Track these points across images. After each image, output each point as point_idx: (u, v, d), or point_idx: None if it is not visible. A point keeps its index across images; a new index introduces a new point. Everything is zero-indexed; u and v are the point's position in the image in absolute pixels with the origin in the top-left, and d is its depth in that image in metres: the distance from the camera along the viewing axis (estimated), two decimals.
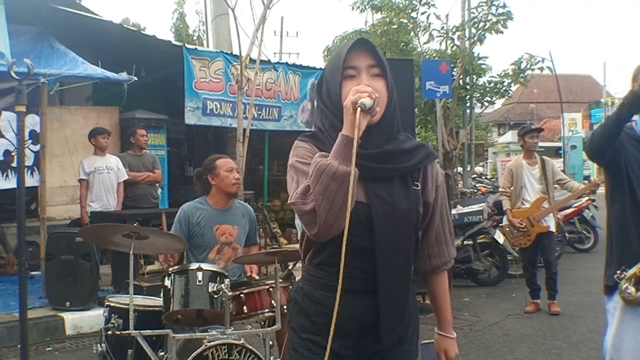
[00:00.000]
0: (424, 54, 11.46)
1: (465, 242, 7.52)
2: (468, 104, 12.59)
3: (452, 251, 1.96)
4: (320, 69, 9.88)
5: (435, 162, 1.90)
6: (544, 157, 6.39)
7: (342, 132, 1.63)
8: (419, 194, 1.83)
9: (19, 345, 4.02)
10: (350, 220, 1.68)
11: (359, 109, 1.57)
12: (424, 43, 11.45)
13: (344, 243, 1.59)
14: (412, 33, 11.64)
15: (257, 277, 3.89)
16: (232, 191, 3.82)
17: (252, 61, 7.64)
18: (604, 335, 2.71)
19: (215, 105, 8.54)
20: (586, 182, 8.59)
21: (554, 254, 6.30)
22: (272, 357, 3.34)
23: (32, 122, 6.01)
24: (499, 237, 7.59)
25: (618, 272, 2.56)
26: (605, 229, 2.76)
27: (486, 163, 25.21)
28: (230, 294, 3.28)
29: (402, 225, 1.77)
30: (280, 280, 3.42)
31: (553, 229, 6.28)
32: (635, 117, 2.67)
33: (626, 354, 2.56)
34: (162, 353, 3.21)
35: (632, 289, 2.51)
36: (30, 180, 5.96)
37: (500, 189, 6.69)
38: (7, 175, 5.96)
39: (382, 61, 1.76)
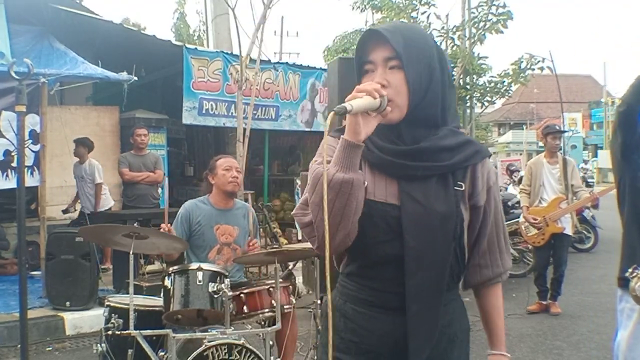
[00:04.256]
0: None
1: None
2: (468, 104, 12.57)
3: (508, 262, 1.72)
4: (321, 68, 9.88)
5: (487, 161, 1.66)
6: (566, 157, 6.36)
7: (342, 136, 1.47)
8: (463, 196, 1.60)
9: (19, 345, 4.02)
10: (380, 225, 1.55)
11: (332, 113, 1.41)
12: None
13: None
14: None
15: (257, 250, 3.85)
16: (227, 189, 3.81)
17: (252, 61, 7.64)
18: (614, 335, 2.67)
19: (211, 105, 8.55)
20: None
21: (565, 256, 6.23)
22: (272, 357, 3.34)
23: (32, 121, 6.01)
24: None
25: (630, 270, 2.51)
26: (621, 221, 2.71)
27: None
28: (230, 293, 3.28)
29: (437, 230, 1.54)
30: (280, 280, 3.42)
31: (569, 231, 6.22)
32: None
33: None
34: (162, 353, 3.21)
35: None
36: (31, 180, 5.95)
37: (520, 187, 6.68)
38: (7, 175, 5.96)
39: (399, 52, 1.52)
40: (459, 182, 1.59)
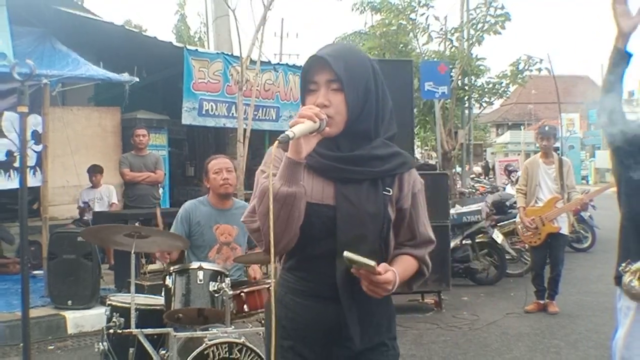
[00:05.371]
0: (423, 55, 11.50)
1: (463, 242, 7.56)
2: (466, 105, 12.62)
3: (428, 259, 1.90)
4: None
5: (414, 171, 1.88)
6: (563, 157, 6.38)
7: (286, 154, 1.65)
8: (390, 200, 1.80)
9: (21, 344, 4.06)
10: (316, 224, 1.73)
11: (276, 143, 1.57)
12: (423, 44, 11.50)
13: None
14: (411, 34, 11.68)
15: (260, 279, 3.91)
16: (220, 192, 3.80)
17: (253, 62, 7.68)
18: (613, 334, 2.70)
19: (211, 105, 8.59)
20: (584, 181, 8.65)
21: (562, 255, 6.26)
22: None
23: (34, 122, 6.05)
24: (498, 237, 7.63)
25: (623, 264, 2.54)
26: (619, 219, 2.75)
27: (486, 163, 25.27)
28: (230, 292, 3.30)
29: (367, 228, 1.74)
30: None
31: (565, 230, 6.23)
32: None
33: (639, 354, 2.55)
34: (164, 352, 3.23)
35: (636, 283, 2.46)
36: (33, 180, 5.99)
37: (517, 187, 6.70)
38: (9, 175, 6.00)
39: (340, 76, 1.71)
40: (387, 188, 1.80)
